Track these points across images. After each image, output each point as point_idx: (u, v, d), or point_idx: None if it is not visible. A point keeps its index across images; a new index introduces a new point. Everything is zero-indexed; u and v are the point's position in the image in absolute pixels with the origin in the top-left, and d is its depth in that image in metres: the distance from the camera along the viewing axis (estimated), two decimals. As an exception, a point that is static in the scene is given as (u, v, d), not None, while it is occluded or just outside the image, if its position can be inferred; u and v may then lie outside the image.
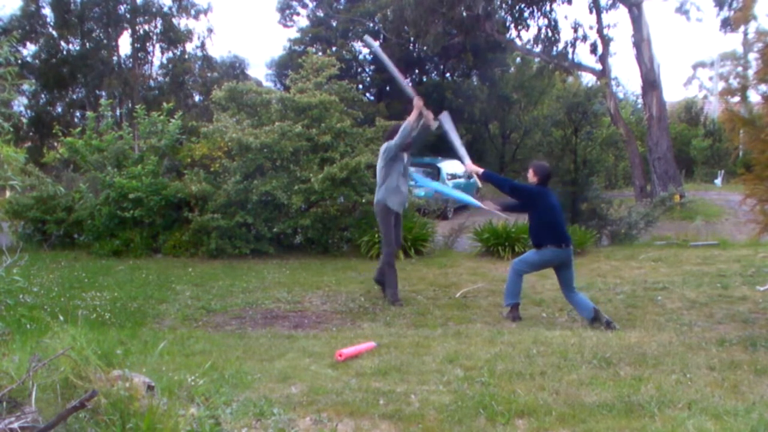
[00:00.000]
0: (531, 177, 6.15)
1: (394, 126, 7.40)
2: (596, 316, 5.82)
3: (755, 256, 9.19)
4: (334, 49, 24.28)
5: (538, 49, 20.20)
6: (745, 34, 15.48)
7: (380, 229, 7.09)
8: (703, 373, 4.21)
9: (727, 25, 18.44)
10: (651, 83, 16.92)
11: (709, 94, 36.85)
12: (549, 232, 6.02)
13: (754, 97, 5.98)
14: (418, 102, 6.64)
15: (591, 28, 19.24)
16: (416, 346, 4.98)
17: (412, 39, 23.39)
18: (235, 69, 24.97)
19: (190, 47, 24.89)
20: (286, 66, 23.42)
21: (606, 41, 18.44)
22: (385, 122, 11.28)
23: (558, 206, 6.17)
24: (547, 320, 6.18)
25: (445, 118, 6.86)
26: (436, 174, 16.31)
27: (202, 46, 25.02)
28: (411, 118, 6.68)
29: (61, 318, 4.49)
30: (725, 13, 18.42)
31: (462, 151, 6.65)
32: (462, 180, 17.17)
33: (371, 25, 24.71)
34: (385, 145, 6.90)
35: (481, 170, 6.41)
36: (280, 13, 25.80)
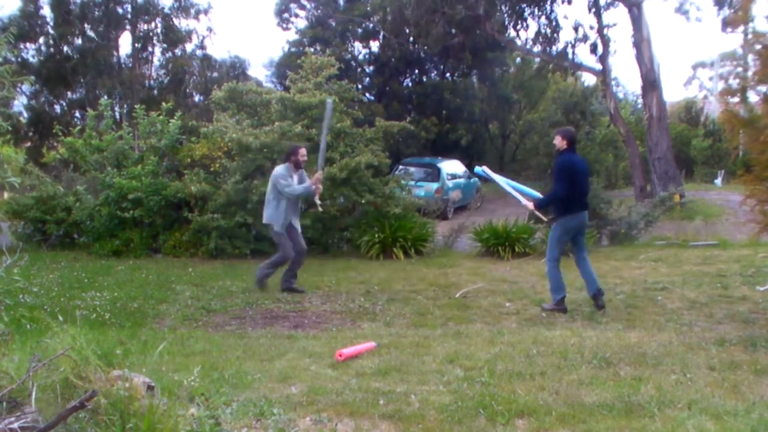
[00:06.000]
0: (560, 143, 6.32)
1: (291, 147, 7.69)
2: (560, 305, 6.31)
3: (755, 256, 9.19)
4: (333, 49, 24.22)
5: (538, 48, 20.18)
6: (745, 34, 15.47)
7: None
8: (703, 373, 4.21)
9: (728, 25, 18.42)
10: (651, 83, 16.90)
11: (709, 94, 36.82)
12: (572, 201, 6.23)
13: (753, 97, 6.00)
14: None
15: (591, 27, 19.23)
16: (416, 346, 4.99)
17: (412, 39, 23.35)
18: (235, 69, 24.91)
19: (190, 47, 24.86)
20: (285, 66, 23.38)
21: (606, 41, 18.42)
22: (384, 122, 11.27)
23: (583, 173, 6.35)
24: (547, 320, 6.17)
25: (491, 174, 7.17)
26: (436, 174, 16.32)
27: (202, 46, 24.99)
28: (311, 186, 7.23)
29: (61, 318, 4.48)
30: (725, 12, 18.40)
31: (518, 195, 6.84)
32: (462, 180, 17.21)
33: (371, 25, 24.67)
34: (281, 173, 7.20)
35: (531, 204, 6.63)
36: (278, 17, 25.67)
